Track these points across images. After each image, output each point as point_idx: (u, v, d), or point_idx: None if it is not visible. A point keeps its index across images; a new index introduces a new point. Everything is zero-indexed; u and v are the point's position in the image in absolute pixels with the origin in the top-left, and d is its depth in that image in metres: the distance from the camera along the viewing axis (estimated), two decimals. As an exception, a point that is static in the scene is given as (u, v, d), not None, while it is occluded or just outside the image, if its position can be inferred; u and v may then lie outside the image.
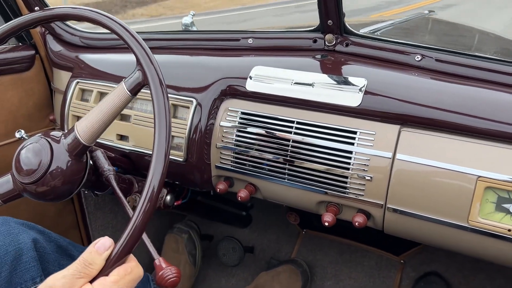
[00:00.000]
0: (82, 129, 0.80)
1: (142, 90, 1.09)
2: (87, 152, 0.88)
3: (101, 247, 0.60)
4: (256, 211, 1.75)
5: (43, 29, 1.33)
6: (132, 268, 0.61)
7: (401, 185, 0.87)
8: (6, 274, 0.86)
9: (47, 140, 0.83)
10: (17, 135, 0.92)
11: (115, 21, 0.77)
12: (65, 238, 1.02)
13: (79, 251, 1.03)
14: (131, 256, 0.64)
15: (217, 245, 1.67)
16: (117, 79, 1.15)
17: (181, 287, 1.49)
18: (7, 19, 1.28)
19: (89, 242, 1.56)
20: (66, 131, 0.84)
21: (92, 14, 0.79)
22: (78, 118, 1.19)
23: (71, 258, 1.00)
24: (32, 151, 0.82)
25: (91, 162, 0.97)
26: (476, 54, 0.95)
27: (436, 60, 0.95)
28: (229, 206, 1.67)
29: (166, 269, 0.69)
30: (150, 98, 0.71)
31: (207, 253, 1.74)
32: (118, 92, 0.78)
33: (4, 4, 1.27)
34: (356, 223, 0.92)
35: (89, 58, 1.27)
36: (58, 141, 0.82)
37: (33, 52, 1.33)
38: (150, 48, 1.17)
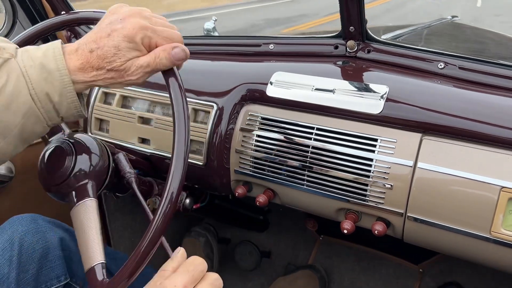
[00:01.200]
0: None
1: (162, 94, 1.12)
2: (110, 155, 0.90)
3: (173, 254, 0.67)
4: (273, 215, 1.75)
5: (69, 33, 1.36)
6: (196, 259, 0.66)
7: (422, 194, 0.86)
8: (34, 272, 0.88)
9: (70, 142, 0.85)
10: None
11: None
12: None
13: None
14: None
15: (234, 249, 1.67)
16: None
17: None
18: (34, 22, 1.31)
19: (108, 242, 1.59)
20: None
21: None
22: (101, 121, 1.21)
23: None
24: (58, 153, 0.85)
25: (113, 165, 0.98)
26: (500, 62, 0.93)
27: (460, 68, 0.94)
28: (247, 210, 1.67)
29: None
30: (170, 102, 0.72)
31: (223, 257, 1.75)
32: None
33: (31, 8, 1.30)
34: (376, 231, 0.91)
35: (112, 61, 1.29)
36: (82, 144, 0.84)
37: (59, 55, 1.36)
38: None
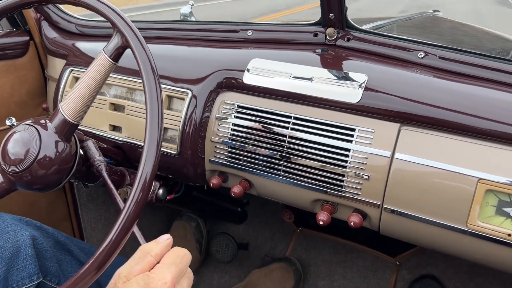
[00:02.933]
0: (67, 108, 0.78)
1: (134, 79, 1.07)
2: (77, 141, 0.86)
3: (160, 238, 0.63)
4: (251, 207, 1.72)
5: (38, 15, 1.30)
6: (181, 251, 0.62)
7: (399, 185, 0.84)
8: (3, 271, 0.84)
9: (35, 127, 0.80)
10: (8, 122, 0.89)
11: None
12: (62, 233, 1.00)
13: (76, 245, 1.01)
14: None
15: (210, 241, 1.64)
16: (112, 68, 1.12)
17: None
18: None
19: (81, 234, 1.54)
20: (53, 112, 0.81)
21: None
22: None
23: (69, 253, 0.98)
24: (20, 139, 0.80)
25: (81, 152, 0.94)
26: (481, 52, 0.92)
27: (440, 57, 0.92)
28: (225, 201, 1.65)
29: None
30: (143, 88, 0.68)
31: (197, 248, 1.72)
32: (99, 61, 0.76)
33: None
34: (352, 223, 0.89)
35: (84, 46, 1.24)
36: (45, 127, 0.80)
37: (27, 38, 1.30)
38: (148, 37, 1.15)
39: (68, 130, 0.79)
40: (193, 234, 1.61)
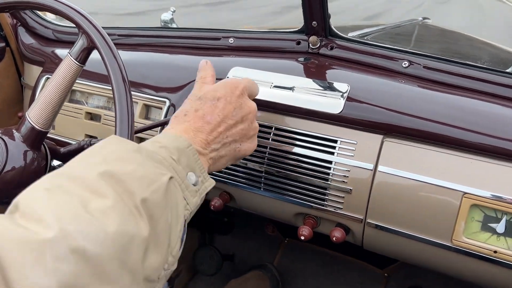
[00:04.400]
0: (34, 115, 0.75)
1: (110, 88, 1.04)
2: (48, 152, 0.82)
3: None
4: (238, 218, 1.69)
5: (15, 20, 1.26)
6: None
7: (382, 199, 0.81)
8: None
9: (2, 138, 0.77)
10: None
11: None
12: None
13: None
14: None
15: (194, 252, 1.60)
16: (90, 75, 1.09)
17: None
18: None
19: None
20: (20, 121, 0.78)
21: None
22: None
23: None
24: None
25: (54, 164, 0.91)
26: (466, 62, 0.89)
27: (424, 67, 0.90)
28: (210, 212, 1.61)
29: None
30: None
31: (184, 260, 1.68)
32: (65, 65, 0.74)
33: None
34: (334, 238, 0.86)
35: (62, 53, 1.20)
36: (12, 137, 0.76)
37: (3, 44, 1.26)
38: (127, 44, 1.12)
39: (36, 138, 0.76)
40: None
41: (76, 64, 0.73)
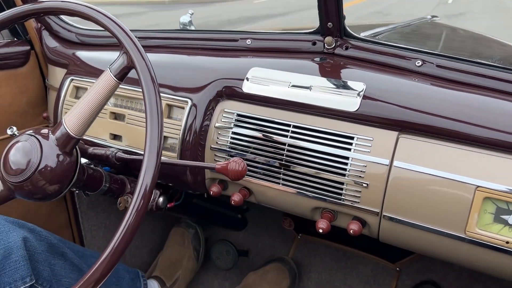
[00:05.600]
0: (70, 122, 0.78)
1: (135, 89, 1.08)
2: (78, 151, 0.86)
3: None
4: (251, 214, 1.73)
5: (39, 24, 1.31)
6: None
7: (398, 193, 0.85)
8: None
9: (36, 138, 0.81)
10: (9, 132, 0.90)
11: (97, 11, 0.76)
12: (56, 236, 1.00)
13: (71, 248, 1.01)
14: None
15: (211, 248, 1.65)
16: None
17: (182, 280, 1.51)
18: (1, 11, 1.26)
19: (81, 242, 1.54)
20: (56, 124, 0.82)
21: (76, 6, 0.78)
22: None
23: (63, 256, 0.98)
24: (22, 149, 0.80)
25: (82, 161, 0.95)
26: (479, 61, 0.92)
27: (437, 66, 0.93)
28: (225, 208, 1.65)
29: (231, 163, 0.81)
30: (143, 96, 0.70)
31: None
32: (104, 79, 0.77)
33: (-1, -2, 1.25)
34: (351, 231, 0.90)
35: (84, 55, 1.25)
36: (47, 138, 0.80)
37: (28, 47, 1.31)
38: (147, 46, 1.16)
39: (69, 144, 0.80)
40: (191, 241, 1.61)
41: (115, 80, 0.76)
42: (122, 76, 0.76)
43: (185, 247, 1.59)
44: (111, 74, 0.76)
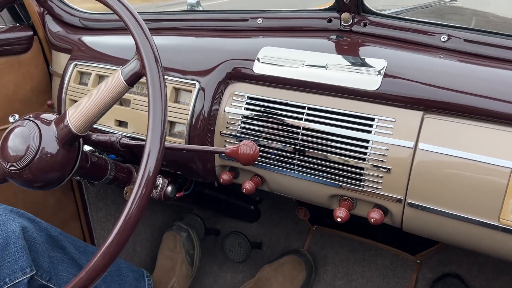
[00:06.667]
0: (74, 117, 0.74)
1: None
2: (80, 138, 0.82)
3: None
4: (265, 205, 1.67)
5: (42, 8, 1.26)
6: None
7: (423, 178, 0.78)
8: None
9: (35, 123, 0.77)
10: (11, 119, 0.86)
11: (119, 1, 0.71)
12: (57, 228, 0.96)
13: (70, 241, 0.97)
14: None
15: (223, 240, 1.60)
16: (117, 61, 1.08)
17: (177, 287, 1.43)
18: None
19: (90, 234, 1.51)
20: (59, 115, 0.77)
21: None
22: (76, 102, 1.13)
23: (62, 249, 0.94)
24: (20, 135, 0.77)
25: (85, 149, 0.91)
26: (509, 33, 0.85)
27: (465, 40, 0.86)
28: (237, 199, 1.60)
29: (242, 146, 0.76)
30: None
31: (213, 248, 1.67)
32: (114, 80, 0.72)
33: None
34: (372, 219, 0.83)
35: (88, 40, 1.20)
36: (48, 124, 0.76)
37: (31, 33, 1.27)
38: (154, 29, 1.11)
39: (70, 139, 0.76)
40: (183, 245, 1.51)
41: (124, 84, 0.71)
42: (132, 81, 0.71)
43: (176, 252, 1.50)
44: (121, 78, 0.71)
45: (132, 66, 0.71)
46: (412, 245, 1.47)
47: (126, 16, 0.70)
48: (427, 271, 1.45)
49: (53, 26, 1.27)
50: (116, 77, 0.72)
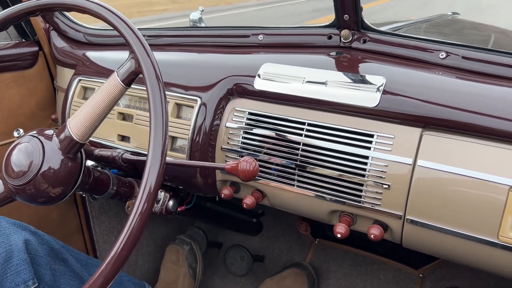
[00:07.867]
0: (75, 125, 0.75)
1: (143, 88, 1.04)
2: (83, 153, 0.83)
3: None
4: (267, 218, 1.67)
5: (47, 24, 1.29)
6: None
7: (423, 195, 0.78)
8: None
9: (39, 139, 0.77)
10: (15, 134, 0.87)
11: (108, 10, 0.72)
12: (59, 241, 0.97)
13: (72, 254, 0.98)
14: None
15: (225, 253, 1.59)
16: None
17: None
18: (5, 7, 1.23)
19: (93, 247, 1.51)
20: (60, 127, 0.78)
21: (86, 3, 0.74)
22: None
23: (64, 262, 0.95)
24: (24, 151, 0.77)
25: (88, 164, 0.92)
26: (506, 51, 0.86)
27: (463, 57, 0.86)
28: (239, 212, 1.60)
29: (241, 163, 0.76)
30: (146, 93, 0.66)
31: (215, 261, 1.67)
32: (111, 83, 0.73)
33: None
34: (372, 235, 0.83)
35: (93, 55, 1.22)
36: (50, 139, 0.77)
37: (36, 48, 1.29)
38: (157, 45, 1.13)
39: (73, 148, 0.76)
40: (186, 258, 1.51)
41: (121, 85, 0.72)
42: (129, 81, 0.72)
43: (179, 265, 1.50)
44: (118, 78, 0.72)
45: (128, 65, 0.71)
46: (415, 259, 1.46)
47: (116, 21, 0.71)
48: (430, 286, 1.45)
49: (58, 42, 1.29)
50: (113, 80, 0.72)
